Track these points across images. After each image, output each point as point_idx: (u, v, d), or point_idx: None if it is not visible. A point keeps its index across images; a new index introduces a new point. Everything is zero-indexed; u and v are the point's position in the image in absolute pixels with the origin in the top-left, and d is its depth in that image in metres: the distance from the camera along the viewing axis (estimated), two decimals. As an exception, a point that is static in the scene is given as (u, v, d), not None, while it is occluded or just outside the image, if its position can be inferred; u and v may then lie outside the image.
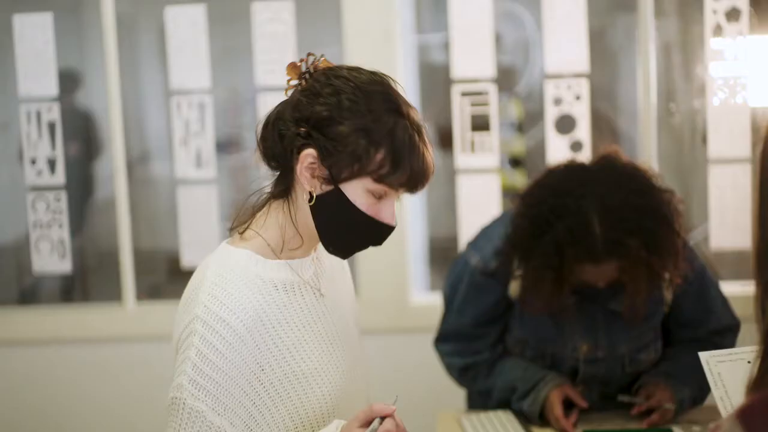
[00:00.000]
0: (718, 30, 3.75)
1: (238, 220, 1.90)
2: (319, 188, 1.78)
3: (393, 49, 3.86)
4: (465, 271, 2.77)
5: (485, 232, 2.80)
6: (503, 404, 2.74)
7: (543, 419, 2.65)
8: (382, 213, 1.81)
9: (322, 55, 1.85)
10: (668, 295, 2.67)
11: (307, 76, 1.82)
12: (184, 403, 1.69)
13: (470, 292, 2.75)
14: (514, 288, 2.67)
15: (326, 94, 1.77)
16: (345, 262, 2.06)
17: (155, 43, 4.65)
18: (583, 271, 2.49)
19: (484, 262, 2.71)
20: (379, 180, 1.77)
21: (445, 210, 4.19)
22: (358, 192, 1.78)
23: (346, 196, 1.78)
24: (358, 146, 1.75)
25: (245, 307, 1.75)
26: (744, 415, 1.08)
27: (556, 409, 2.60)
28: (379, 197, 1.79)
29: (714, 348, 2.65)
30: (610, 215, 2.41)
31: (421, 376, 3.52)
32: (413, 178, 1.79)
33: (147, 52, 5.51)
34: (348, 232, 1.83)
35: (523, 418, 2.68)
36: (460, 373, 2.81)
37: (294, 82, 1.83)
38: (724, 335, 2.71)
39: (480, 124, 3.86)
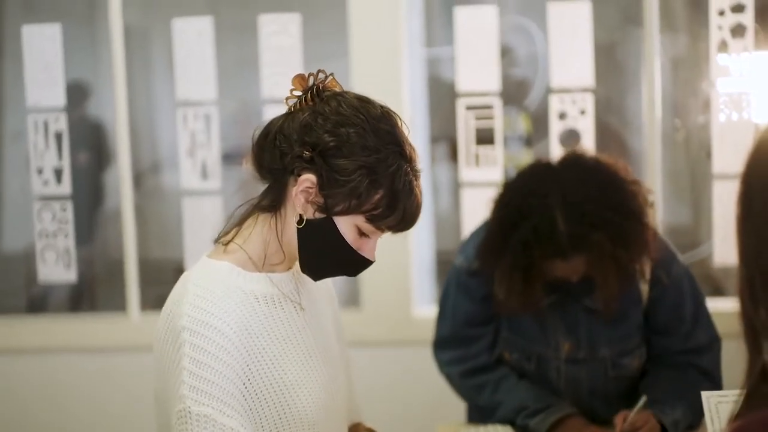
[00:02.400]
0: (723, 46, 3.75)
1: (224, 231, 1.90)
2: (311, 214, 1.79)
3: (399, 63, 3.86)
4: (452, 274, 2.80)
5: (471, 235, 2.81)
6: (506, 423, 2.73)
7: None
8: (365, 248, 1.83)
9: (331, 74, 1.85)
10: (645, 288, 2.67)
11: (314, 91, 1.82)
12: (189, 412, 1.69)
13: (458, 293, 2.77)
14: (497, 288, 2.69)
15: (336, 123, 1.77)
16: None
17: (164, 55, 4.67)
18: (553, 268, 2.50)
19: (468, 263, 2.73)
20: (370, 220, 1.79)
21: (451, 223, 4.19)
22: (347, 226, 1.79)
23: (336, 227, 1.79)
24: (360, 184, 1.76)
25: (231, 314, 1.76)
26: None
27: (591, 428, 2.60)
28: (365, 234, 1.81)
29: (691, 367, 2.66)
30: (573, 211, 2.42)
31: (422, 388, 3.53)
32: (403, 222, 1.81)
33: (156, 64, 5.53)
34: (329, 259, 1.85)
35: (523, 432, 2.69)
36: (462, 380, 2.81)
37: (297, 93, 1.83)
38: (701, 354, 2.70)
39: (485, 137, 3.86)
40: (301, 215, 1.80)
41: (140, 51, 5.09)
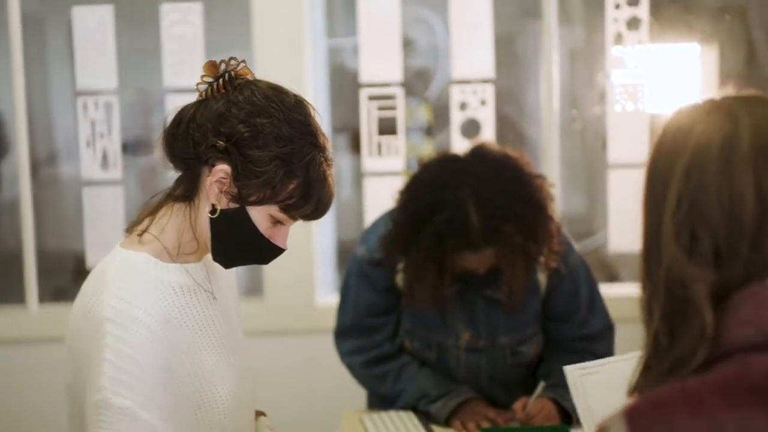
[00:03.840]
0: (619, 38, 3.84)
1: (137, 221, 1.89)
2: (225, 204, 1.79)
3: (302, 53, 3.87)
4: (354, 265, 2.82)
5: (372, 226, 2.84)
6: (408, 410, 2.78)
7: (447, 425, 2.69)
8: (277, 236, 1.84)
9: (243, 61, 1.85)
10: (543, 278, 2.73)
11: (225, 78, 1.81)
12: (108, 404, 1.66)
13: (360, 283, 2.79)
14: (400, 279, 2.72)
15: (250, 113, 1.77)
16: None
17: (63, 44, 4.59)
18: (463, 260, 2.54)
19: (369, 253, 2.75)
20: (284, 210, 1.79)
21: (353, 213, 4.21)
22: (261, 215, 1.80)
23: (249, 216, 1.80)
24: (275, 174, 1.76)
25: (153, 306, 1.75)
26: (630, 414, 1.09)
27: (490, 411, 2.66)
28: (278, 222, 1.82)
29: (587, 354, 2.73)
30: (486, 204, 2.46)
31: (326, 376, 3.54)
32: (317, 211, 1.82)
33: (55, 53, 5.43)
34: (242, 248, 1.85)
35: (425, 418, 2.72)
36: (364, 369, 2.83)
37: (209, 79, 1.82)
38: (596, 340, 2.78)
39: (387, 127, 3.89)
40: (214, 205, 1.80)
41: (38, 40, 4.99)
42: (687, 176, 1.15)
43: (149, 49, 4.01)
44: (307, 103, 1.84)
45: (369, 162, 3.91)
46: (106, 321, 1.70)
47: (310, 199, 1.80)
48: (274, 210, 1.80)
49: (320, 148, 1.80)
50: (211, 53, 3.84)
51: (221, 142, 1.76)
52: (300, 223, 1.87)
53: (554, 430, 2.52)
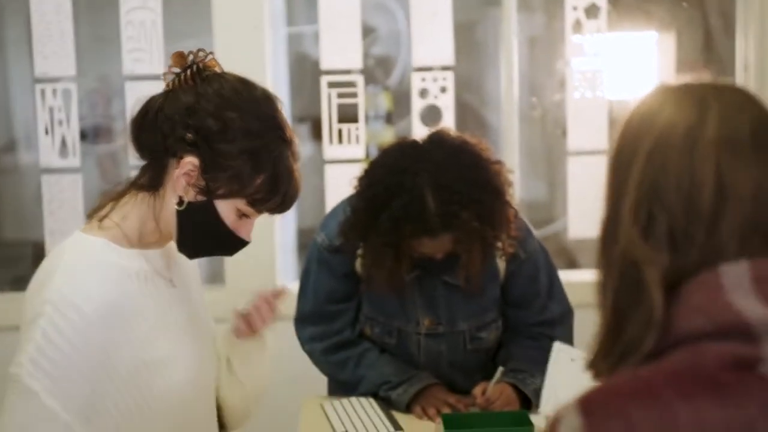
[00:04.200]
0: (578, 26, 3.86)
1: (98, 206, 1.88)
2: (192, 196, 1.79)
3: (262, 41, 3.86)
4: (314, 251, 2.82)
5: (331, 212, 2.84)
6: (368, 396, 2.79)
7: (408, 411, 2.70)
8: (243, 229, 1.85)
9: (211, 53, 1.85)
10: (501, 264, 2.75)
11: (193, 69, 1.81)
12: (20, 381, 1.67)
13: (320, 269, 2.79)
14: (359, 265, 2.73)
15: (219, 106, 1.77)
16: None
17: (21, 30, 4.55)
18: (420, 245, 2.55)
19: (329, 239, 2.75)
20: (251, 203, 1.80)
21: (314, 200, 4.21)
22: (228, 209, 1.80)
23: (216, 210, 1.80)
24: (243, 169, 1.77)
25: (98, 294, 1.74)
26: (584, 406, 1.09)
27: (451, 397, 2.68)
28: (244, 215, 1.83)
29: (545, 338, 2.74)
30: (443, 190, 2.46)
31: (287, 363, 3.53)
32: (283, 205, 1.84)
33: (12, 39, 5.38)
34: (207, 240, 1.85)
35: (385, 404, 2.73)
36: (324, 356, 2.84)
37: (176, 70, 1.82)
38: (555, 325, 2.79)
39: (348, 115, 3.89)
40: (181, 197, 1.80)
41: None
42: (649, 158, 1.15)
43: (109, 36, 3.98)
44: (275, 97, 1.85)
45: (330, 149, 3.91)
46: (48, 303, 1.70)
47: (277, 193, 1.81)
48: (241, 204, 1.80)
49: (288, 143, 1.82)
50: (170, 41, 3.81)
51: (190, 135, 1.76)
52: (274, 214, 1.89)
53: (514, 415, 2.53)
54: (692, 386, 1.07)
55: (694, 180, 1.13)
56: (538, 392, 2.65)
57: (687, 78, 1.24)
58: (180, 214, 1.81)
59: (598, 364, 1.20)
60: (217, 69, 1.85)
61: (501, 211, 2.56)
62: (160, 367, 1.82)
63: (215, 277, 4.07)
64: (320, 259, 2.79)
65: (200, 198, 1.79)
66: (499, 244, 2.62)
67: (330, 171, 3.91)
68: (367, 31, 4.69)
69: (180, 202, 1.80)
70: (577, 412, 1.09)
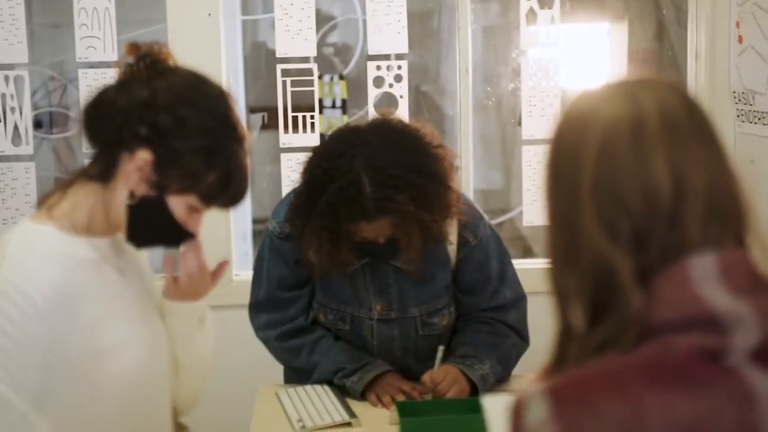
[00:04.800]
0: (531, 15, 3.88)
1: (48, 195, 1.88)
2: (143, 190, 1.79)
3: (216, 29, 3.84)
4: (266, 238, 2.83)
5: (283, 200, 2.85)
6: (322, 383, 2.79)
7: (363, 398, 2.72)
8: (192, 223, 1.86)
9: (165, 45, 1.84)
10: (452, 250, 2.75)
11: (147, 61, 1.80)
12: None
13: (272, 257, 2.80)
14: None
15: (174, 102, 1.77)
16: None
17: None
18: (359, 229, 2.56)
19: (280, 227, 2.76)
20: (203, 199, 1.81)
21: (270, 188, 4.20)
22: (179, 204, 1.81)
23: (167, 205, 1.80)
24: (196, 166, 1.77)
25: (48, 281, 1.73)
26: (554, 394, 1.09)
27: (405, 384, 2.69)
28: (194, 210, 1.83)
29: (499, 323, 2.75)
30: (379, 174, 2.47)
31: (243, 350, 3.54)
32: (233, 201, 1.86)
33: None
34: (156, 233, 1.86)
35: (340, 392, 2.74)
36: (278, 343, 2.85)
37: (129, 61, 1.81)
38: (508, 310, 2.81)
39: (303, 103, 3.89)
40: (132, 191, 1.79)
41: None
42: (598, 164, 1.15)
43: (61, 23, 3.94)
44: (228, 93, 1.85)
45: (285, 137, 3.91)
46: None
47: (228, 190, 1.82)
48: (192, 199, 1.81)
49: (241, 140, 1.83)
50: (123, 28, 3.79)
51: (144, 130, 1.76)
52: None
53: (467, 402, 2.54)
54: (661, 378, 1.07)
55: (649, 181, 1.13)
56: (485, 378, 2.67)
57: (619, 75, 1.25)
58: (130, 208, 1.81)
59: (559, 361, 1.20)
60: (171, 62, 1.85)
61: (439, 196, 2.56)
62: (110, 354, 1.82)
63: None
64: (272, 247, 2.80)
65: (152, 192, 1.80)
66: (440, 228, 2.61)
67: (285, 159, 3.91)
68: (326, 20, 4.69)
69: (131, 196, 1.80)
70: (545, 399, 1.09)
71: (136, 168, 1.77)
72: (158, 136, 1.76)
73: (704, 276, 1.12)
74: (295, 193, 2.65)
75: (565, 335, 1.19)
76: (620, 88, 1.21)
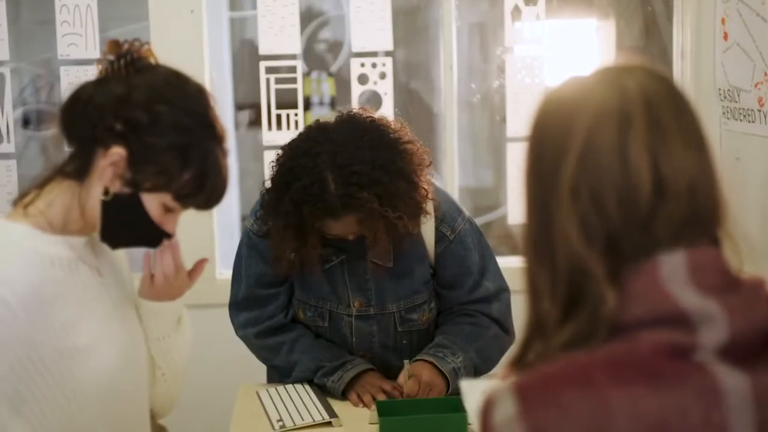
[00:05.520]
0: (516, 13, 3.86)
1: (24, 193, 1.86)
2: (117, 187, 1.78)
3: (200, 26, 3.82)
4: (244, 236, 2.83)
5: (260, 198, 2.84)
6: (302, 382, 2.78)
7: (344, 397, 2.70)
8: (167, 223, 1.85)
9: (147, 43, 1.83)
10: (430, 244, 2.74)
11: (127, 59, 1.79)
12: None
13: (250, 254, 2.80)
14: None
15: (150, 99, 1.76)
16: None
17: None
18: (326, 226, 2.55)
19: (257, 224, 2.75)
20: (177, 198, 1.79)
21: (254, 186, 4.19)
22: (154, 202, 1.80)
23: (141, 203, 1.79)
24: (171, 164, 1.76)
25: (21, 281, 1.72)
26: (521, 390, 1.10)
27: (386, 384, 2.67)
28: (169, 210, 1.82)
29: (482, 315, 2.73)
30: (342, 171, 2.46)
31: (226, 349, 3.53)
32: (209, 202, 1.84)
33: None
34: (131, 232, 1.85)
35: (321, 391, 2.73)
36: (257, 341, 2.84)
37: (110, 58, 1.80)
38: (490, 302, 2.79)
39: (287, 100, 3.88)
40: (107, 188, 1.78)
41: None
42: (582, 164, 1.14)
43: (43, 20, 3.92)
44: (209, 92, 1.84)
45: (268, 135, 3.89)
46: None
47: (203, 190, 1.80)
48: (167, 198, 1.80)
49: (218, 140, 1.81)
50: (106, 24, 3.77)
51: (119, 126, 1.75)
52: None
53: (448, 401, 2.53)
54: (627, 373, 1.07)
55: (631, 184, 1.12)
56: (457, 371, 2.65)
57: (606, 62, 1.23)
58: (105, 205, 1.80)
59: (525, 356, 1.19)
60: (152, 60, 1.84)
61: (405, 192, 2.55)
62: (85, 355, 1.81)
63: (154, 264, 4.02)
64: (250, 244, 2.79)
65: (126, 190, 1.78)
66: (408, 225, 2.58)
67: (269, 157, 3.89)
68: (315, 15, 4.68)
69: (105, 193, 1.79)
70: (513, 397, 1.10)
71: (110, 163, 1.76)
72: (133, 132, 1.75)
73: (674, 274, 1.12)
74: (266, 189, 2.64)
75: (535, 330, 1.19)
76: (603, 76, 1.19)
